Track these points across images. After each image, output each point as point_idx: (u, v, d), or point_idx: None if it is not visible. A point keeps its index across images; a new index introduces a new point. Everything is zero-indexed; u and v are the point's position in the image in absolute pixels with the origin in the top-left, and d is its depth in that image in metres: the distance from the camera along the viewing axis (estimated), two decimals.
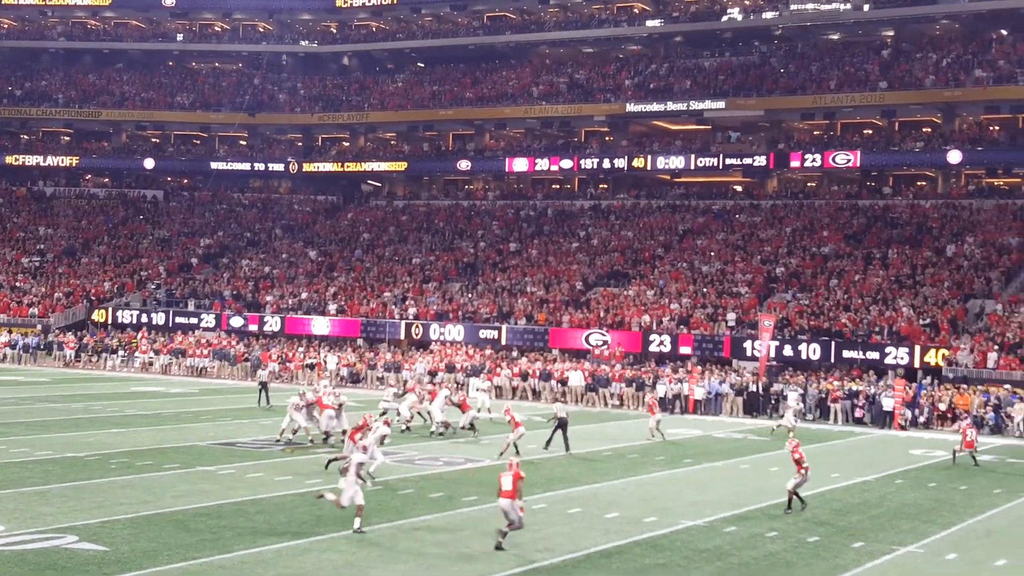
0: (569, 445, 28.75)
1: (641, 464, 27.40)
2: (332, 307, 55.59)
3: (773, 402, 40.62)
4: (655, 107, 64.83)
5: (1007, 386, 38.93)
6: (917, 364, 42.24)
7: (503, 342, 49.94)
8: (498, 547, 16.99)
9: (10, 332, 55.87)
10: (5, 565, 15.35)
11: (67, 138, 79.57)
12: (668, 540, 18.42)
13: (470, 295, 55.04)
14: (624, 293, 52.50)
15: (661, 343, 46.95)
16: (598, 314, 49.96)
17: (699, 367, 43.67)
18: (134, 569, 15.36)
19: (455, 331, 51.05)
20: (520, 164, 67.09)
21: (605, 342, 47.59)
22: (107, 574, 15.07)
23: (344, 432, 26.90)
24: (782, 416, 35.98)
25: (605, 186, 69.01)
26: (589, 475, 25.25)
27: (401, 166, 71.35)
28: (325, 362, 48.13)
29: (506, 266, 58.58)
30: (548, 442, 29.25)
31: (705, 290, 51.22)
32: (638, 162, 63.57)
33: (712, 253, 55.67)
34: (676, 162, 63.00)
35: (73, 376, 47.75)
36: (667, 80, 66.37)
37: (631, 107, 65.19)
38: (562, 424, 28.88)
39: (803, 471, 20.95)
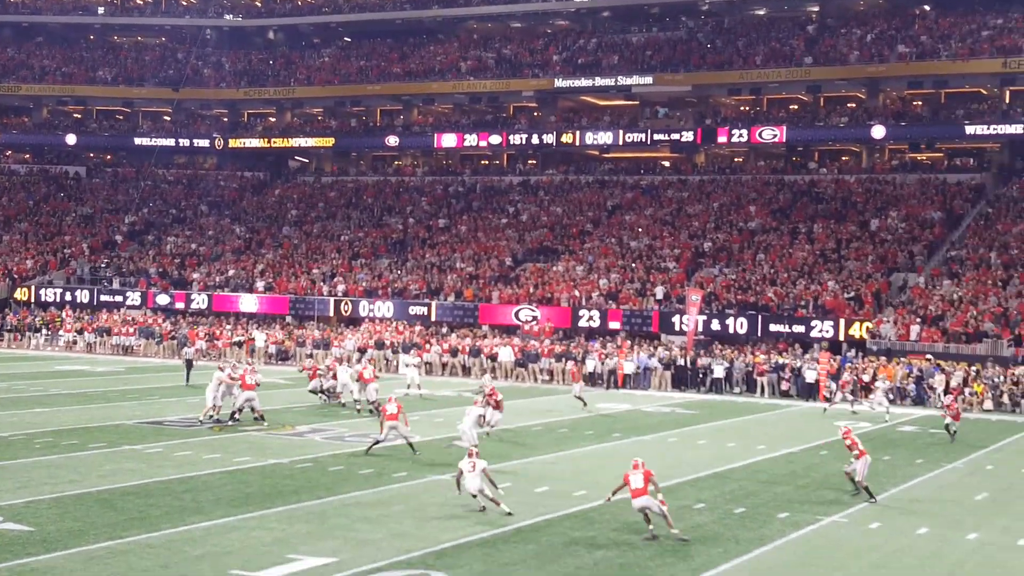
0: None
1: (571, 439, 27.60)
2: (260, 284, 55.10)
3: (701, 376, 41.11)
4: (583, 82, 64.92)
5: (929, 357, 39.76)
6: (842, 337, 42.97)
7: (433, 318, 49.91)
8: (683, 539, 16.77)
9: None
10: None
11: None
12: (597, 513, 18.59)
13: (399, 271, 54.86)
14: (553, 269, 52.68)
15: (590, 318, 47.23)
16: (527, 290, 50.10)
17: (628, 342, 44.04)
18: (60, 549, 15.19)
19: (385, 308, 50.88)
20: (449, 140, 66.88)
21: (534, 318, 47.76)
22: (32, 554, 14.87)
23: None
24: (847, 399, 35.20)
25: (534, 162, 69.09)
26: (519, 450, 25.38)
27: (328, 142, 70.74)
28: (253, 339, 47.73)
29: (435, 242, 58.46)
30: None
31: (633, 265, 51.59)
32: (567, 138, 63.71)
33: (640, 228, 56.03)
34: (604, 138, 63.24)
35: None
36: (595, 55, 66.51)
37: (559, 82, 65.23)
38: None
39: (859, 456, 20.37)
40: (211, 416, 27.84)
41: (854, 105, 62.25)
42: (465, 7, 71.51)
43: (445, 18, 72.48)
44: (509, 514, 17.90)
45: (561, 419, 31.53)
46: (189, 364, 37.96)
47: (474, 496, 18.09)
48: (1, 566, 14.26)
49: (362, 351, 44.81)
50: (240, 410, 27.98)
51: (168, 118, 76.51)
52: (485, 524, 17.51)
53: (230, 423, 27.64)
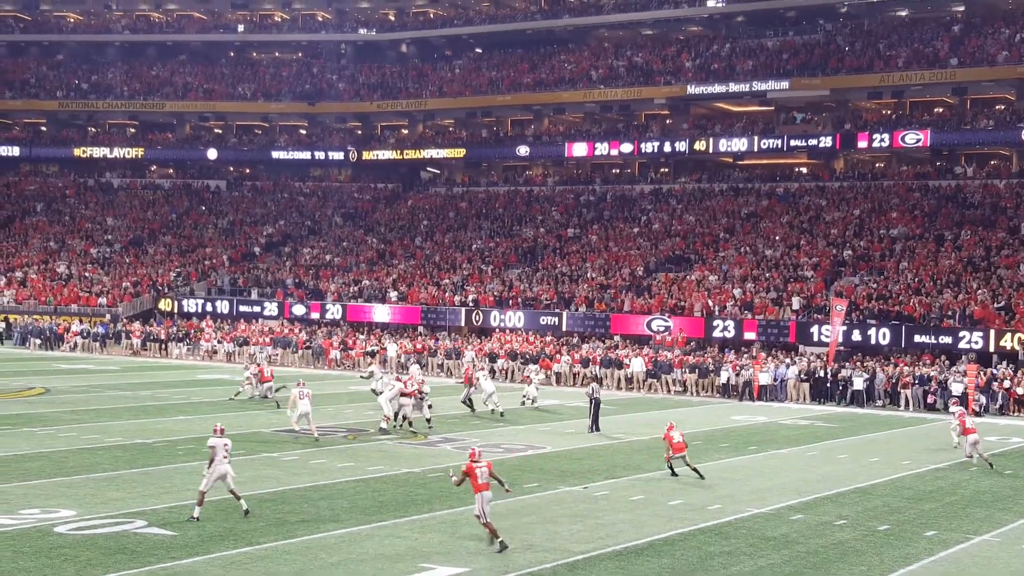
0: (598, 426, 29.59)
1: (705, 451, 27.05)
2: (392, 294, 55.70)
3: (841, 388, 39.98)
4: (717, 89, 64.07)
5: None
6: (992, 348, 41.32)
7: (564, 328, 49.70)
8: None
9: (81, 322, 56.66)
10: (77, 548, 15.50)
11: (132, 130, 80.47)
12: (733, 528, 18.12)
13: (530, 281, 54.86)
14: (686, 278, 52.01)
15: (725, 328, 46.41)
16: (660, 299, 49.54)
17: (763, 353, 43.13)
18: (201, 554, 15.43)
19: (515, 318, 50.89)
20: (579, 149, 66.70)
21: (667, 328, 47.17)
22: (175, 558, 15.14)
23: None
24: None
25: (666, 170, 68.41)
26: (652, 462, 24.97)
27: (460, 153, 71.27)
28: (385, 349, 48.22)
29: (566, 252, 58.31)
30: (592, 426, 29.51)
31: (769, 274, 50.57)
32: (699, 145, 62.90)
33: (777, 236, 54.93)
34: (739, 144, 62.26)
35: (140, 364, 48.30)
36: (729, 61, 65.58)
37: (692, 89, 64.51)
38: (596, 405, 29.69)
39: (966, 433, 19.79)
40: (395, 425, 28.11)
41: (1002, 107, 60.05)
42: (596, 16, 71.35)
43: (576, 27, 72.41)
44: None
45: (695, 431, 30.97)
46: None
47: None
48: (145, 570, 14.54)
49: (493, 358, 44.77)
50: (405, 417, 28.31)
51: (304, 131, 78.11)
52: (617, 536, 17.21)
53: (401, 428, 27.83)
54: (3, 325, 57.22)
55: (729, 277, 51.07)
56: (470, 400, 33.33)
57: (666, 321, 47.48)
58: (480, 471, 16.34)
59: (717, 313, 47.54)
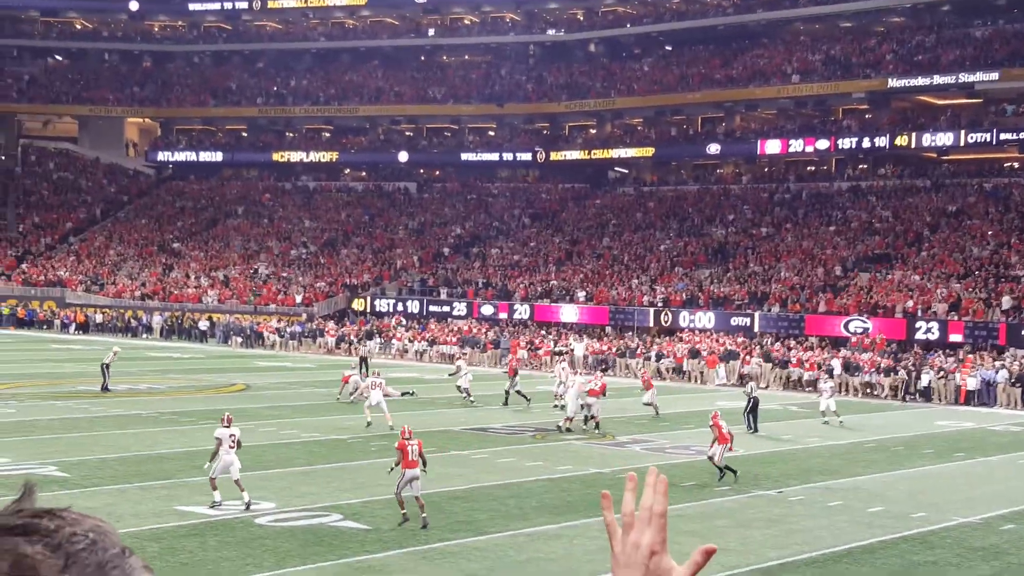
0: (757, 426, 29.00)
1: (907, 457, 25.91)
2: (580, 294, 55.56)
3: None
4: (920, 81, 61.54)
5: None
6: None
7: (756, 329, 48.55)
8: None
9: (279, 320, 58.61)
10: (275, 540, 15.87)
11: (327, 134, 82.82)
12: (938, 537, 17.22)
13: (721, 281, 53.85)
14: (887, 277, 50.09)
15: (928, 330, 44.39)
16: (858, 300, 47.84)
17: (971, 356, 41.08)
18: (394, 547, 15.57)
19: (705, 318, 50.00)
20: (773, 146, 65.13)
21: (865, 329, 45.50)
22: (369, 551, 15.32)
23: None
24: None
25: (864, 166, 66.12)
26: (850, 467, 24.04)
27: (648, 152, 70.60)
28: (573, 350, 48.10)
29: (759, 251, 57.01)
30: (749, 426, 28.95)
31: (977, 273, 48.17)
32: (901, 140, 60.46)
33: (989, 233, 52.22)
34: (944, 139, 59.56)
35: (335, 362, 49.50)
36: (934, 52, 62.91)
37: (893, 82, 62.15)
38: (754, 403, 29.16)
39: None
40: (582, 427, 28.09)
41: None
42: (791, 9, 69.54)
43: (770, 21, 70.77)
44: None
45: (896, 436, 29.73)
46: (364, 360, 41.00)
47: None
48: (341, 562, 14.76)
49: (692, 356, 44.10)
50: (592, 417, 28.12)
51: (492, 133, 78.84)
52: (814, 543, 16.55)
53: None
54: (207, 324, 59.67)
55: (932, 277, 48.92)
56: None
57: (865, 322, 45.80)
58: (411, 449, 16.93)
59: (920, 314, 45.57)
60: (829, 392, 31.95)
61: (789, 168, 68.11)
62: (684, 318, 50.52)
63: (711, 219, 63.00)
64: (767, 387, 42.13)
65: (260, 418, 28.46)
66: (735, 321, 49.22)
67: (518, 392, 33.17)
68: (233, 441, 17.99)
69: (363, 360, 41.46)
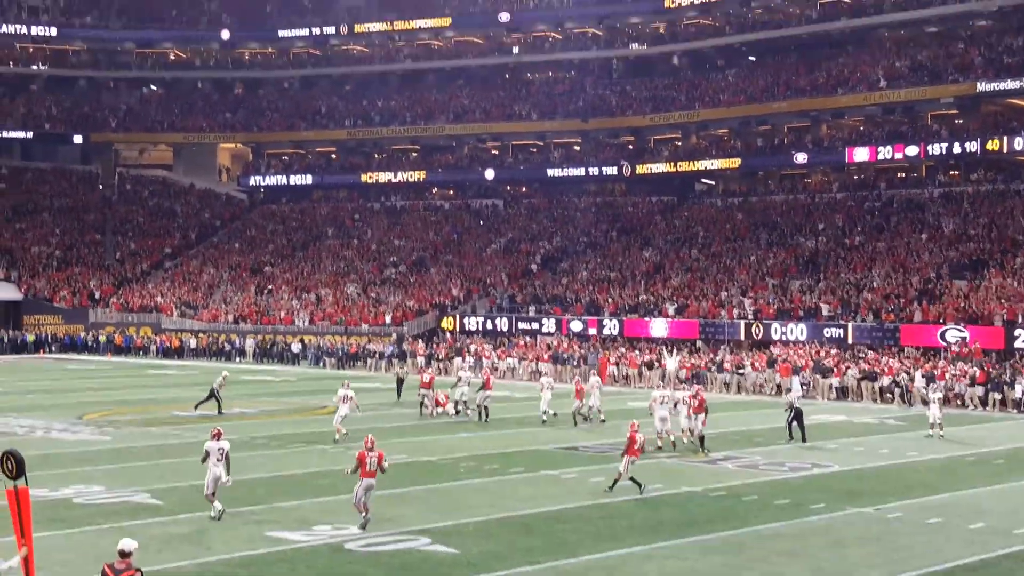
0: (805, 435, 28.92)
1: (1008, 471, 25.29)
2: (670, 308, 55.25)
3: None
4: (1010, 84, 60.18)
5: None
6: None
7: (849, 340, 47.81)
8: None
9: (369, 341, 59.18)
10: (362, 565, 16.02)
11: (414, 154, 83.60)
12: None
13: (812, 292, 53.15)
14: (983, 285, 49.00)
15: None
16: (954, 308, 46.86)
17: None
18: (484, 571, 15.61)
19: (797, 330, 49.40)
20: (861, 154, 64.16)
21: (963, 338, 44.54)
22: (458, 575, 15.39)
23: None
24: None
25: (956, 172, 64.82)
26: (949, 482, 23.55)
27: (735, 163, 70.01)
28: (664, 364, 47.81)
29: (850, 260, 56.16)
30: (790, 435, 29.00)
31: None
32: (992, 144, 59.14)
33: None
34: None
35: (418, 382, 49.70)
36: (1023, 55, 61.51)
37: (982, 86, 60.88)
38: (797, 414, 29.15)
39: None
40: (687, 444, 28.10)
41: None
42: (876, 15, 68.60)
43: (854, 28, 69.88)
44: None
45: (995, 449, 29.04)
46: (400, 381, 40.50)
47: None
48: None
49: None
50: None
51: (578, 148, 78.88)
52: (914, 561, 16.25)
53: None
54: (299, 346, 60.51)
55: None
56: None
57: (961, 331, 44.85)
58: (370, 460, 17.99)
59: (1020, 322, 44.47)
60: (938, 403, 31.25)
61: (879, 175, 67.04)
62: (775, 330, 49.97)
63: (800, 229, 62.26)
64: (860, 400, 41.51)
65: (350, 440, 28.73)
66: (828, 332, 48.55)
67: (580, 414, 33.27)
68: (221, 455, 18.64)
69: (400, 381, 40.96)
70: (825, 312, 50.46)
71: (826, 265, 56.47)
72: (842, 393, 42.46)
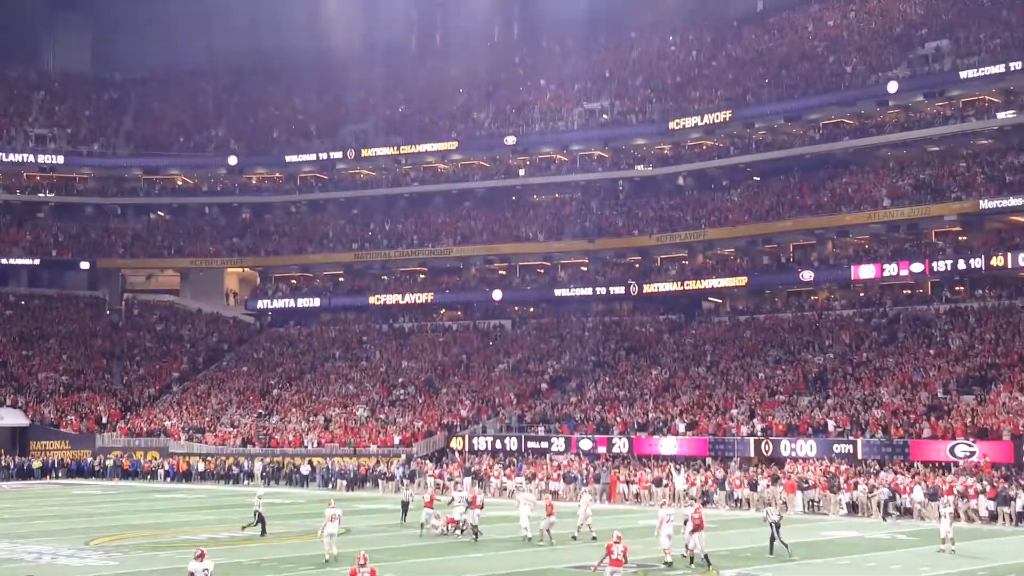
0: (787, 545, 29.40)
1: None
2: (680, 425, 55.04)
3: None
4: (1012, 201, 60.83)
5: None
6: None
7: (859, 456, 47.48)
8: None
9: (378, 463, 58.84)
10: None
11: (422, 276, 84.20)
12: None
13: (821, 408, 52.98)
14: (990, 399, 48.84)
15: None
16: (962, 423, 46.64)
17: None
18: None
19: (807, 446, 49.11)
20: (867, 271, 64.57)
21: (972, 453, 44.24)
22: None
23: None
24: None
25: (961, 288, 65.10)
26: None
27: (742, 281, 70.45)
28: (673, 483, 47.47)
29: (858, 377, 56.08)
30: (771, 547, 29.30)
31: None
32: (996, 260, 59.53)
33: None
34: None
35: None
36: None
37: (985, 203, 61.55)
38: (776, 527, 29.61)
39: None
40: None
41: None
42: (878, 136, 69.80)
43: (857, 148, 70.98)
44: None
45: (1007, 563, 28.62)
46: (405, 505, 39.59)
47: None
48: None
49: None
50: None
51: (584, 268, 79.45)
52: None
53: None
54: (308, 468, 60.18)
55: None
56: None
57: (971, 446, 44.56)
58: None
59: None
60: (949, 518, 30.94)
61: (885, 292, 67.31)
62: (785, 446, 49.70)
63: (808, 346, 62.31)
64: (870, 516, 41.11)
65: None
66: (837, 448, 48.26)
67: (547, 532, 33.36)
68: (206, 575, 18.95)
69: (404, 505, 40.07)
70: (832, 428, 50.26)
71: (834, 381, 56.37)
72: (852, 509, 42.04)
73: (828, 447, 48.56)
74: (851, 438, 48.57)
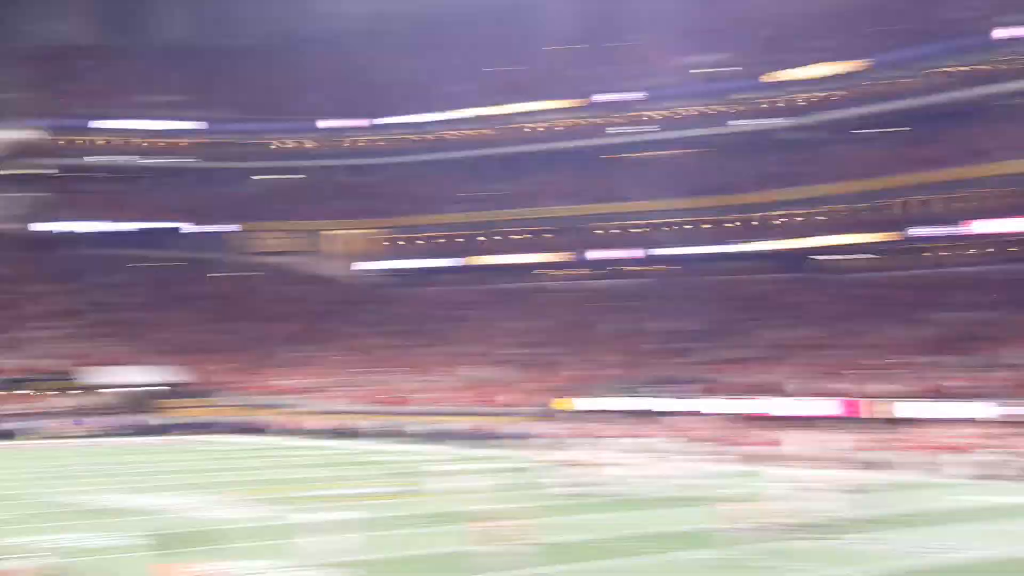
0: None
1: None
2: (791, 386, 53.63)
3: None
4: None
5: None
6: None
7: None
8: None
9: (489, 422, 58.58)
10: None
11: (529, 236, 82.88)
12: None
13: (950, 369, 51.05)
14: None
15: None
16: None
17: None
18: None
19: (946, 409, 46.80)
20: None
21: None
22: None
23: None
24: None
25: None
26: None
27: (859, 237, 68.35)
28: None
29: (989, 336, 53.94)
30: None
31: None
32: None
33: None
34: None
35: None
36: None
37: None
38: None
39: None
40: None
41: None
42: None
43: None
44: None
45: None
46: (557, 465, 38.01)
47: None
48: None
49: None
50: None
51: (691, 227, 77.71)
52: None
53: None
54: (417, 427, 60.27)
55: None
56: None
57: None
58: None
59: None
60: None
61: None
62: (924, 409, 47.62)
63: (932, 304, 60.27)
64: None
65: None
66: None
67: None
68: None
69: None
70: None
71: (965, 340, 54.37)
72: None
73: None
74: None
